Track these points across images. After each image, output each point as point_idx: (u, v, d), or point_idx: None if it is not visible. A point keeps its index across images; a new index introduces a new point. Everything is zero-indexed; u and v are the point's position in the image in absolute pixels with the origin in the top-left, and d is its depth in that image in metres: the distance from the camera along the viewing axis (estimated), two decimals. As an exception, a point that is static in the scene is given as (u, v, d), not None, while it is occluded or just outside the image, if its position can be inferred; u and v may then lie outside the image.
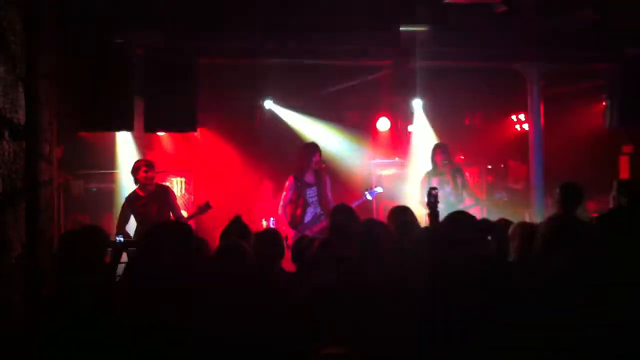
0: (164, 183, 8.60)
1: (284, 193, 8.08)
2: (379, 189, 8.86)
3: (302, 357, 2.79)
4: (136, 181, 7.72)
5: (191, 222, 7.89)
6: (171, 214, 7.73)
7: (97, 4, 6.49)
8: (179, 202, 8.71)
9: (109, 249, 5.05)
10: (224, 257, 4.09)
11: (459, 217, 4.40)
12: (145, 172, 7.64)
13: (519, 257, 4.63)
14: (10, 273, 2.31)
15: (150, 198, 7.66)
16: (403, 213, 5.51)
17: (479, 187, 10.91)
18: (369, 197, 8.48)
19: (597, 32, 7.88)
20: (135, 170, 7.70)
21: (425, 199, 5.48)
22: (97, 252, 4.53)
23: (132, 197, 7.77)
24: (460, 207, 8.02)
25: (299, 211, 8.01)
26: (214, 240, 4.99)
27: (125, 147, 10.02)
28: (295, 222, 8.00)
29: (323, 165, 8.12)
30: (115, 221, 7.90)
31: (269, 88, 10.57)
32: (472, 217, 4.35)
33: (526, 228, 4.74)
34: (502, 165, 12.52)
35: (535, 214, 9.12)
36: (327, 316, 3.35)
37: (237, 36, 7.47)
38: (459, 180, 8.50)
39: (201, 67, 7.34)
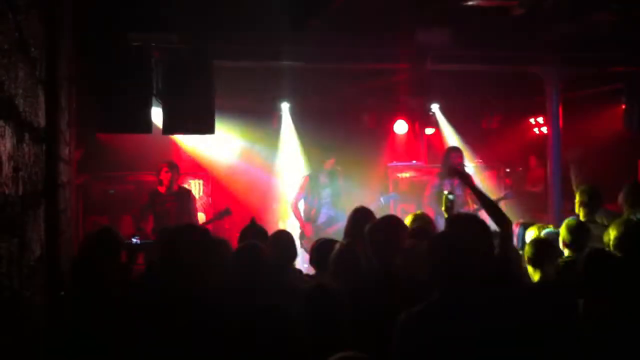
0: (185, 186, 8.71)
1: (298, 191, 8.21)
2: (394, 195, 8.86)
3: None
4: (159, 181, 7.95)
5: (209, 226, 7.97)
6: (188, 218, 7.81)
7: (114, 7, 6.54)
8: (198, 204, 8.82)
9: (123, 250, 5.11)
10: (241, 258, 4.10)
11: (468, 219, 4.34)
12: (166, 172, 7.89)
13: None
14: (31, 274, 2.33)
15: (171, 198, 7.88)
16: (419, 218, 5.51)
17: (498, 190, 10.86)
18: (382, 201, 8.48)
19: (617, 35, 7.81)
20: (157, 171, 7.98)
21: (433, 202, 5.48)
22: (111, 253, 4.58)
23: (154, 194, 8.01)
24: (464, 210, 8.04)
25: (313, 211, 8.10)
26: (232, 241, 5.03)
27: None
28: (310, 220, 8.08)
29: (338, 168, 8.16)
30: (134, 222, 8.06)
31: (285, 90, 10.62)
32: (482, 221, 4.29)
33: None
34: (520, 169, 12.46)
35: (553, 217, 9.05)
36: (343, 320, 3.35)
37: (253, 39, 7.50)
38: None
39: (218, 69, 7.38)
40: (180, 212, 7.80)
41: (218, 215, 8.05)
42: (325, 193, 8.13)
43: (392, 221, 4.45)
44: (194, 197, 8.18)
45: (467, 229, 3.94)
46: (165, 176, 7.89)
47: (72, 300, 3.76)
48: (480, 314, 3.16)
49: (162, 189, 7.94)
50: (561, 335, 3.36)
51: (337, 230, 7.73)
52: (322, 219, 8.10)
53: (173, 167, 8.05)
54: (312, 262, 4.93)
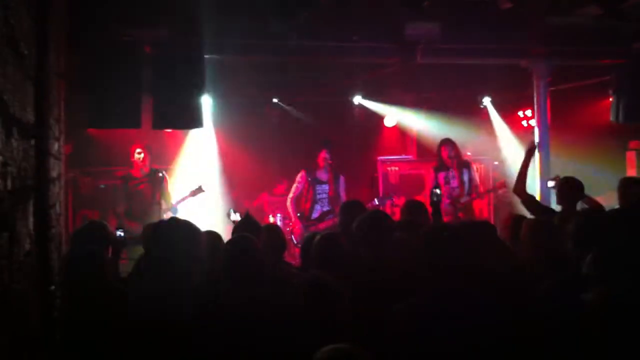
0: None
1: (295, 185, 8.25)
2: (389, 197, 8.92)
3: (308, 352, 2.81)
4: (131, 163, 8.14)
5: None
6: (162, 201, 7.90)
7: (105, 1, 6.52)
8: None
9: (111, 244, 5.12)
10: (233, 251, 4.11)
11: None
12: (139, 153, 8.07)
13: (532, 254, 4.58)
14: (20, 268, 2.34)
15: (144, 180, 8.02)
16: (412, 209, 5.52)
17: (487, 183, 10.92)
18: (377, 202, 8.52)
19: (604, 28, 7.86)
20: (131, 153, 8.13)
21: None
22: (101, 247, 4.58)
23: (127, 177, 8.15)
24: (463, 201, 8.12)
25: (307, 205, 8.15)
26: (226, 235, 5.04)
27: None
28: (303, 215, 8.10)
29: (331, 162, 8.17)
30: (114, 217, 8.06)
31: (275, 84, 10.62)
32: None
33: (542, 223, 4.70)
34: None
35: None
36: (333, 311, 3.37)
37: (242, 33, 7.49)
38: (465, 176, 8.49)
39: (208, 64, 7.37)
40: (155, 194, 7.92)
41: (191, 193, 8.19)
42: (322, 188, 8.16)
43: (379, 215, 4.51)
44: (166, 178, 8.26)
45: (465, 225, 3.97)
46: (137, 157, 8.06)
47: (62, 294, 3.76)
48: (475, 309, 3.18)
49: (134, 171, 8.09)
50: (561, 334, 3.32)
51: (329, 226, 7.75)
52: (315, 214, 8.13)
53: (146, 148, 8.17)
54: (302, 255, 4.97)
